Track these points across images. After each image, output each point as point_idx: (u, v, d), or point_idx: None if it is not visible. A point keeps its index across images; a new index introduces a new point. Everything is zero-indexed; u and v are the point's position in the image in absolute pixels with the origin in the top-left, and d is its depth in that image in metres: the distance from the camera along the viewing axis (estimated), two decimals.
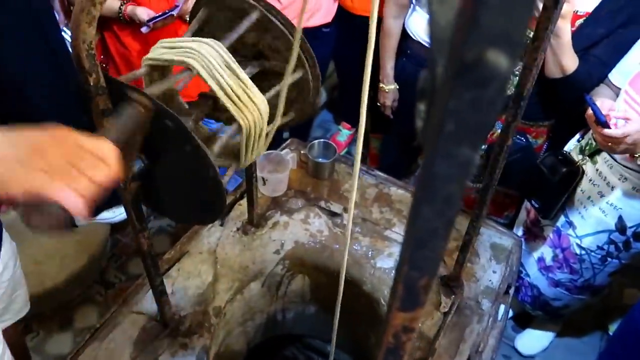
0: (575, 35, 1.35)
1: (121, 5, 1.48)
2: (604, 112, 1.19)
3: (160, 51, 0.74)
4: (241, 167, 0.83)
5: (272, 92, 0.83)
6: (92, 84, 0.62)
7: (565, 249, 1.51)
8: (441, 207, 0.26)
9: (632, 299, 2.00)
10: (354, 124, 2.65)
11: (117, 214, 1.87)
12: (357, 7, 1.99)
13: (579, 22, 1.39)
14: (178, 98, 0.81)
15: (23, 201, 0.44)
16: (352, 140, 2.73)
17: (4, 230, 1.14)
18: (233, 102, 0.71)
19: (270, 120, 0.86)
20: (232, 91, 0.71)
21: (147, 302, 1.16)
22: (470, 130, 0.22)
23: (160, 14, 1.47)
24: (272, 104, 0.81)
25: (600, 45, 1.37)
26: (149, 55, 0.74)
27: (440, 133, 0.22)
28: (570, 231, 1.49)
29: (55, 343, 1.81)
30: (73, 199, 0.45)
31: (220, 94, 0.70)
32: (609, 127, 1.19)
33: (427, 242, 0.27)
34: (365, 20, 2.05)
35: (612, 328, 2.00)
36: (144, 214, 0.85)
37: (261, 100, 0.75)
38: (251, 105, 0.73)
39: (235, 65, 0.72)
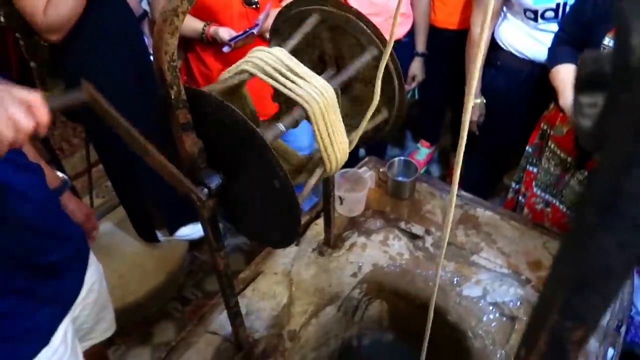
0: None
1: (204, 26, 1.51)
2: None
3: (225, 75, 0.73)
4: (327, 171, 0.78)
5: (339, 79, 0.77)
6: (173, 97, 0.60)
7: None
8: (626, 237, 0.18)
9: None
10: (433, 141, 2.54)
11: (195, 230, 1.90)
12: (439, 19, 1.91)
13: None
14: (254, 113, 0.78)
15: None
16: (431, 160, 2.62)
17: (90, 252, 1.17)
18: (289, 88, 0.68)
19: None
20: (287, 78, 0.67)
21: (222, 322, 1.14)
22: None
23: (241, 32, 1.48)
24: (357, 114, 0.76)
25: None
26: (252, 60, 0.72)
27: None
28: None
29: (135, 357, 1.84)
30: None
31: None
32: None
33: (596, 283, 0.20)
34: (448, 34, 1.99)
35: None
36: (220, 232, 0.83)
37: (322, 83, 0.71)
38: (311, 88, 0.69)
39: (290, 59, 0.69)
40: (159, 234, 1.91)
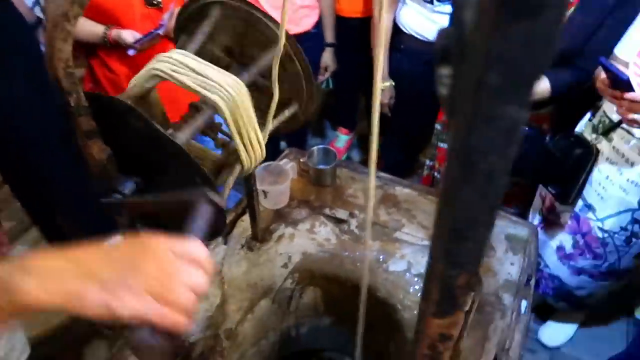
0: (568, 28, 1.31)
1: (105, 29, 1.44)
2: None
3: (133, 82, 0.71)
4: (245, 169, 0.78)
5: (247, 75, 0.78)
6: (73, 104, 0.58)
7: (586, 233, 1.46)
8: (484, 187, 0.21)
9: None
10: (352, 128, 2.61)
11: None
12: (344, 9, 1.96)
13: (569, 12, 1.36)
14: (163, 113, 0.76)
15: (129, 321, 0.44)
16: (351, 145, 2.69)
17: None
18: (199, 86, 0.68)
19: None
20: (196, 79, 0.67)
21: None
22: (521, 79, 0.17)
23: (146, 34, 1.43)
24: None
25: (595, 39, 1.34)
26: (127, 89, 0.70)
27: (480, 89, 0.18)
28: (590, 214, 1.44)
29: None
30: (177, 319, 0.45)
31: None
32: (632, 90, 1.11)
33: (467, 232, 0.23)
34: (354, 23, 2.04)
35: (639, 310, 1.94)
36: None
37: (232, 79, 0.71)
38: (221, 85, 0.69)
39: (198, 59, 0.70)
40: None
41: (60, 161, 0.65)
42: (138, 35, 1.44)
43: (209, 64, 0.73)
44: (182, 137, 0.74)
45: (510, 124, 0.19)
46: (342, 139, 2.60)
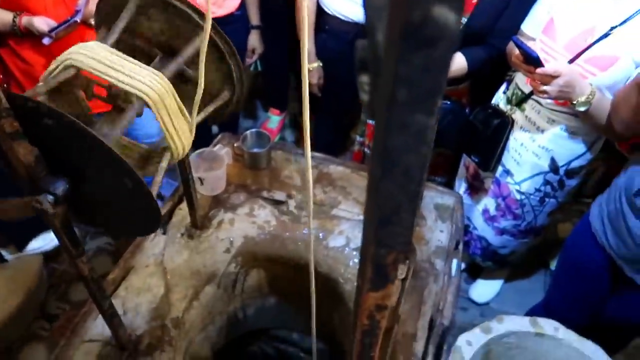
0: (479, 8, 1.40)
1: (14, 17, 1.34)
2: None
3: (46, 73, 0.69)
4: (175, 157, 0.79)
5: (173, 66, 0.78)
6: None
7: (506, 196, 1.58)
8: (402, 181, 0.24)
9: (566, 232, 2.15)
10: (283, 108, 2.62)
11: (47, 241, 1.75)
12: None
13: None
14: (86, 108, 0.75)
15: None
16: (284, 125, 2.70)
17: None
18: (122, 82, 0.68)
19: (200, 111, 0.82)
20: (117, 73, 0.67)
21: (98, 328, 1.10)
22: (424, 95, 0.21)
23: (62, 22, 1.35)
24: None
25: (504, 18, 1.44)
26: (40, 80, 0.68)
27: (392, 102, 0.21)
28: (509, 179, 1.56)
29: None
30: None
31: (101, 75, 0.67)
32: (542, 65, 1.21)
33: (392, 218, 0.26)
34: (279, 2, 2.02)
35: (553, 263, 2.14)
36: (78, 237, 0.79)
37: (153, 72, 0.72)
38: (143, 76, 0.70)
39: (117, 53, 0.69)
40: (5, 253, 1.72)
41: None
42: (52, 23, 1.36)
43: (127, 56, 0.72)
44: (111, 136, 0.74)
45: (420, 129, 0.22)
46: (274, 119, 2.61)
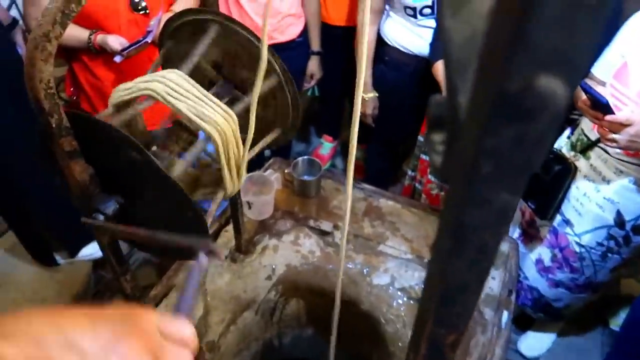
0: None
1: (90, 34, 1.41)
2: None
3: (121, 93, 0.70)
4: (228, 194, 0.78)
5: (241, 105, 0.78)
6: (54, 125, 0.57)
7: (564, 248, 1.48)
8: (474, 259, 0.21)
9: (629, 289, 1.99)
10: (336, 136, 2.62)
11: (96, 249, 1.79)
12: (332, 17, 1.96)
13: None
14: (144, 127, 0.76)
15: None
16: (336, 153, 2.69)
17: None
18: (195, 115, 0.67)
19: (253, 145, 0.82)
20: (190, 103, 0.67)
21: None
22: (512, 171, 0.18)
23: (133, 42, 1.41)
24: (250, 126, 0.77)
25: None
26: (111, 99, 0.69)
27: (474, 176, 0.18)
28: (568, 229, 1.47)
29: None
30: None
31: (176, 107, 0.67)
32: (612, 112, 1.14)
33: (456, 297, 0.23)
34: (340, 31, 2.03)
35: (613, 321, 1.98)
36: (123, 256, 0.80)
37: (225, 110, 0.71)
38: (215, 115, 0.69)
39: (194, 84, 0.69)
40: (58, 257, 1.78)
41: (37, 172, 0.63)
42: (124, 42, 1.42)
43: (203, 91, 0.72)
44: (178, 169, 0.74)
45: (502, 207, 0.19)
46: (326, 146, 2.60)
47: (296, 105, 0.87)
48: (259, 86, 0.63)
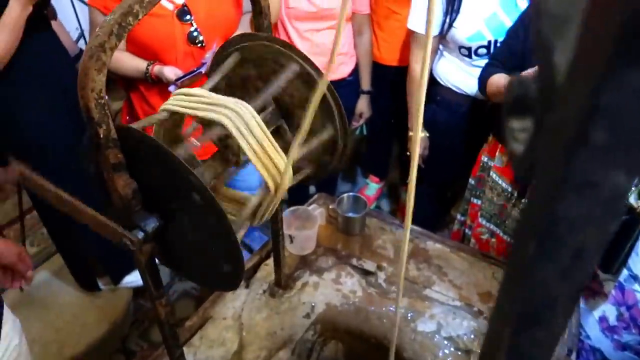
0: None
1: (148, 65, 1.47)
2: None
3: (184, 102, 0.69)
4: (271, 193, 0.75)
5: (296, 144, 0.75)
6: (102, 135, 0.57)
7: (632, 306, 1.35)
8: (568, 266, 0.17)
9: None
10: (383, 176, 2.58)
11: (139, 277, 1.80)
12: (385, 57, 1.97)
13: None
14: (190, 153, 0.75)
15: None
16: (381, 194, 2.64)
17: (5, 307, 1.08)
18: (264, 165, 0.66)
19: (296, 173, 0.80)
20: (262, 154, 0.65)
21: None
22: (632, 140, 0.14)
23: (188, 72, 1.45)
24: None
25: None
26: (171, 102, 0.69)
27: (578, 148, 0.14)
28: (636, 286, 1.34)
29: None
30: None
31: (251, 155, 0.65)
32: None
33: (541, 318, 0.18)
34: (393, 71, 2.03)
35: None
36: (160, 278, 0.78)
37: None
38: (275, 166, 0.67)
39: (264, 128, 0.67)
40: (100, 283, 1.80)
41: (87, 192, 0.63)
42: (179, 72, 1.46)
43: (269, 134, 0.71)
44: (206, 176, 0.72)
45: (612, 194, 0.15)
46: (372, 187, 2.56)
47: (345, 135, 0.84)
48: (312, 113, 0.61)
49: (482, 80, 1.38)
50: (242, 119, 0.66)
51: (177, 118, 0.73)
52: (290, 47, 0.75)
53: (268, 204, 0.72)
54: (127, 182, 0.62)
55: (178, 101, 0.69)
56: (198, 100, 0.68)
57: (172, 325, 0.85)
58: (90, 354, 1.73)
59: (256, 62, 0.79)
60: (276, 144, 0.70)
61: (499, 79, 1.30)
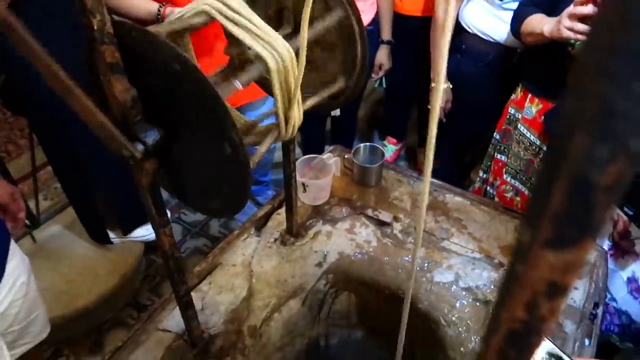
0: None
1: (160, 7, 1.41)
2: None
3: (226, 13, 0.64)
4: (283, 134, 0.70)
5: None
6: (96, 27, 0.51)
7: None
8: None
9: None
10: (401, 138, 2.50)
11: (151, 231, 1.78)
12: (406, 7, 1.87)
13: None
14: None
15: None
16: (398, 157, 2.57)
17: (13, 243, 1.05)
18: (251, 37, 0.60)
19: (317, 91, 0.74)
20: (247, 28, 0.60)
21: (175, 320, 1.04)
22: None
23: None
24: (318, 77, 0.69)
25: None
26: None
27: None
28: None
29: None
30: None
31: (236, 30, 0.59)
32: None
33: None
34: (413, 22, 1.93)
35: None
36: (164, 205, 0.73)
37: (283, 41, 0.64)
38: (272, 43, 0.62)
39: (246, 9, 0.62)
40: (112, 235, 1.78)
41: (101, 147, 0.58)
42: None
43: (260, 20, 0.66)
44: (223, 90, 0.67)
45: None
46: (390, 149, 2.49)
47: (364, 56, 0.78)
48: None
49: (517, 20, 1.28)
50: (282, 63, 0.62)
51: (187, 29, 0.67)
52: None
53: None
54: (125, 87, 0.56)
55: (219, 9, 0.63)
56: (244, 24, 0.63)
57: (177, 258, 0.81)
58: (101, 305, 1.72)
59: None
60: (299, 98, 0.67)
61: (539, 20, 1.20)
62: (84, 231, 1.80)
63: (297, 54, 0.77)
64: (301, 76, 0.64)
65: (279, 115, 0.71)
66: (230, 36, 0.66)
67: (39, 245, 1.81)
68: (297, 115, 0.72)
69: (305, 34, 0.60)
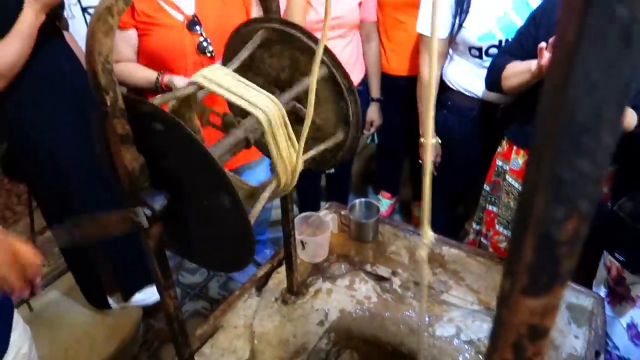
0: None
1: (158, 75, 1.48)
2: None
3: (217, 79, 0.69)
4: (282, 185, 0.73)
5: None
6: (109, 103, 0.56)
7: None
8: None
9: None
10: (394, 192, 2.54)
11: (150, 295, 1.77)
12: (393, 67, 1.96)
13: None
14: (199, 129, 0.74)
15: None
16: (393, 211, 2.60)
17: (16, 313, 1.05)
18: (243, 99, 0.65)
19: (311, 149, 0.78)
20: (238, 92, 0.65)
21: None
22: None
23: None
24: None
25: None
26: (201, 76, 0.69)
27: None
28: None
29: None
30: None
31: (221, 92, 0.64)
32: None
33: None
34: (402, 81, 2.02)
35: None
36: (169, 267, 0.75)
37: (271, 96, 0.69)
38: (262, 98, 0.66)
39: (239, 78, 0.68)
40: (111, 300, 1.77)
41: (98, 193, 0.63)
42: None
43: (245, 80, 0.71)
44: (217, 152, 0.71)
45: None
46: (384, 203, 2.53)
47: (354, 98, 0.83)
48: (316, 71, 0.60)
49: (495, 69, 1.34)
50: (274, 119, 0.67)
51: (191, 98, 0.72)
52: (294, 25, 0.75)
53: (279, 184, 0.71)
54: (134, 156, 0.60)
55: (208, 79, 0.68)
56: (233, 85, 0.68)
57: (181, 321, 0.82)
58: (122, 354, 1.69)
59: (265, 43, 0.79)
60: (295, 144, 0.72)
61: (519, 65, 1.26)
62: (81, 297, 1.79)
63: (294, 112, 0.82)
64: (306, 131, 0.67)
65: (277, 167, 0.74)
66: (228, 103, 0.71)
67: (36, 313, 1.79)
68: (293, 166, 0.75)
69: (312, 95, 0.64)
